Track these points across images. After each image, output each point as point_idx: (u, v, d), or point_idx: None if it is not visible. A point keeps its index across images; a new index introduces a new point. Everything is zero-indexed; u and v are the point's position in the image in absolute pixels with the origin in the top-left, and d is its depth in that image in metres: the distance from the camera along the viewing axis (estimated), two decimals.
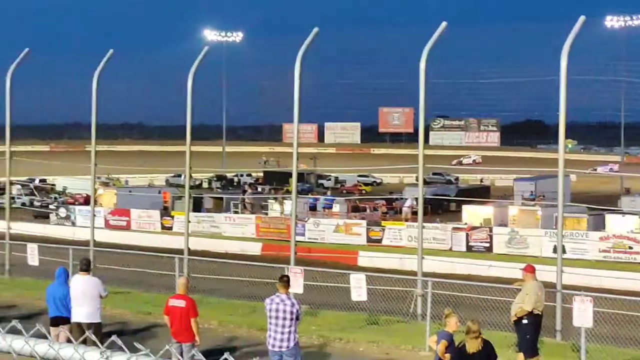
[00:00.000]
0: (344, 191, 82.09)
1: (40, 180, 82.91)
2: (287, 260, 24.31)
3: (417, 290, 21.40)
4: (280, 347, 14.43)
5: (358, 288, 20.82)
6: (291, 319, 14.44)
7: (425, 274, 22.20)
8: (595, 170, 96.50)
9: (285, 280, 15.12)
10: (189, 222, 27.50)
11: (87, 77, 29.33)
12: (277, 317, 14.45)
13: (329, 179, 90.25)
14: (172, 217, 53.48)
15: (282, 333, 14.40)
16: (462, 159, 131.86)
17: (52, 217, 59.25)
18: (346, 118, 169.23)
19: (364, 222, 49.66)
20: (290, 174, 28.53)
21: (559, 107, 20.48)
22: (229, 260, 29.44)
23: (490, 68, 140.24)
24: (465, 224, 47.15)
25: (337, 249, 43.70)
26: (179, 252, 26.26)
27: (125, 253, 30.74)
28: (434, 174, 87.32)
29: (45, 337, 2.72)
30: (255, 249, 44.31)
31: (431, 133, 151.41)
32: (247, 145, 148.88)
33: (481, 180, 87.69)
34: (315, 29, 24.40)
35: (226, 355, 2.45)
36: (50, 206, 63.46)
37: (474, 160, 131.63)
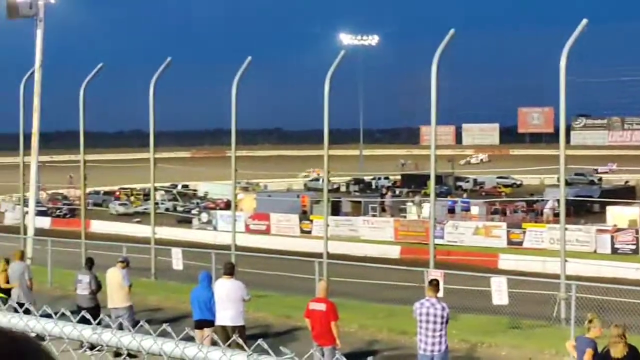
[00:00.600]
0: (483, 193, 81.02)
1: (183, 186, 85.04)
2: (426, 264, 24.15)
3: (560, 294, 20.93)
4: (432, 351, 14.36)
5: (499, 291, 20.53)
6: (442, 323, 14.35)
7: (568, 277, 21.69)
8: None
9: (435, 284, 15.06)
10: (327, 225, 27.67)
11: (227, 84, 29.95)
12: (427, 321, 14.38)
13: (468, 181, 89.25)
14: (311, 221, 53.91)
15: (434, 337, 14.33)
16: (469, 158, 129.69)
17: (195, 221, 60.60)
18: (484, 119, 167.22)
19: (504, 225, 48.93)
20: (428, 177, 28.32)
21: None
22: (368, 263, 29.49)
23: (634, 65, 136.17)
24: (615, 225, 45.76)
25: (477, 251, 43.16)
26: (318, 255, 26.44)
27: (265, 257, 31.18)
28: (576, 174, 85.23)
29: (192, 340, 2.75)
30: (394, 252, 44.21)
31: (572, 133, 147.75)
32: (384, 149, 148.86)
33: (626, 182, 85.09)
34: (452, 31, 24.19)
35: (369, 359, 2.42)
36: (193, 211, 64.96)
37: (481, 160, 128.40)
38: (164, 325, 2.91)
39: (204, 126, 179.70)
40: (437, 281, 15.68)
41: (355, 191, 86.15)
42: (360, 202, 61.81)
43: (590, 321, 13.19)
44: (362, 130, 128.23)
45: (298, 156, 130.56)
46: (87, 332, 3.04)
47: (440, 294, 20.96)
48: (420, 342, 14.49)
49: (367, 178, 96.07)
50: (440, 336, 14.33)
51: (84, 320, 3.25)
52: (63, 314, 3.28)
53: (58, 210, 66.43)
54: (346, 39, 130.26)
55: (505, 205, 59.61)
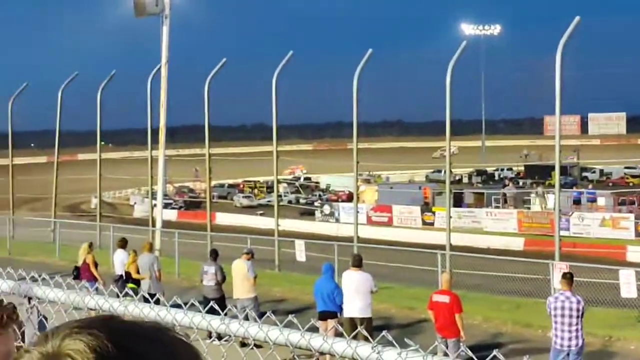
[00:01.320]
0: (610, 184, 79.03)
1: (305, 179, 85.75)
2: (551, 256, 23.74)
3: None
4: (569, 345, 14.12)
5: (627, 284, 20.03)
6: (577, 317, 14.10)
7: None
8: None
9: (569, 277, 14.80)
10: (450, 217, 27.49)
11: (348, 77, 30.05)
12: (562, 315, 14.14)
13: (594, 172, 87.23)
14: (433, 212, 53.62)
15: (570, 331, 14.09)
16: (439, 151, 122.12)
17: (317, 214, 61.03)
18: (610, 108, 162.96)
19: (632, 216, 47.63)
20: (552, 167, 27.82)
21: None
22: (491, 255, 29.17)
23: None
24: None
25: (604, 243, 42.13)
26: (441, 247, 26.29)
27: (387, 249, 31.17)
28: None
29: (316, 331, 2.79)
30: (517, 244, 43.58)
31: None
32: (507, 139, 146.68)
33: None
34: (577, 18, 23.68)
35: (495, 352, 2.41)
36: (315, 203, 65.43)
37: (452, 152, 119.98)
38: (290, 317, 2.95)
39: (326, 119, 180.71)
40: (571, 274, 15.38)
41: (477, 182, 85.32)
42: (483, 193, 61.14)
43: None
44: (485, 120, 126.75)
45: (419, 148, 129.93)
46: (216, 322, 3.11)
47: None
48: (556, 337, 14.24)
49: (489, 169, 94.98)
50: (577, 330, 14.07)
51: (211, 311, 3.33)
52: (192, 305, 3.37)
53: (174, 203, 67.68)
54: (468, 29, 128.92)
55: (634, 196, 57.98)
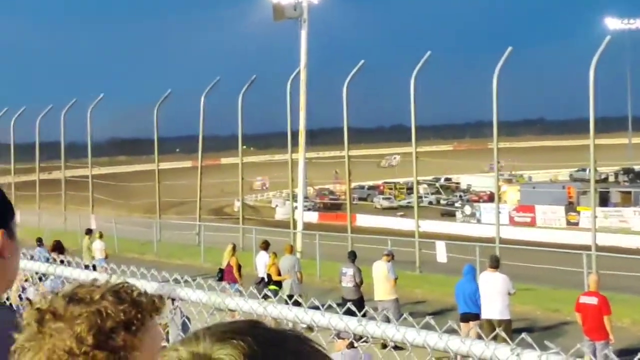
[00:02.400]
0: None
1: (445, 179, 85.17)
2: None
3: None
4: None
5: None
6: None
7: None
8: None
9: None
10: (595, 217, 26.79)
11: (488, 76, 29.68)
12: None
13: None
14: (578, 212, 52.38)
15: None
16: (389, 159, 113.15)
17: (458, 214, 60.52)
18: None
19: None
20: None
21: None
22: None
23: None
24: None
25: None
26: (586, 248, 25.63)
27: (530, 249, 30.59)
28: None
29: (455, 334, 2.74)
30: None
31: None
32: None
33: None
34: None
35: None
36: (456, 204, 64.91)
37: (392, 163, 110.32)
38: (427, 318, 2.91)
39: (465, 119, 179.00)
40: None
41: (624, 181, 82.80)
42: (630, 192, 59.31)
43: None
44: (632, 117, 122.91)
45: (562, 146, 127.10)
46: (353, 324, 3.10)
47: None
48: None
49: (637, 167, 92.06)
50: None
51: (349, 312, 3.32)
52: (330, 306, 3.37)
53: (314, 205, 68.21)
54: (612, 23, 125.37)
55: None
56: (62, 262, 5.24)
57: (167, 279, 4.47)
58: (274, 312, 3.51)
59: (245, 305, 3.72)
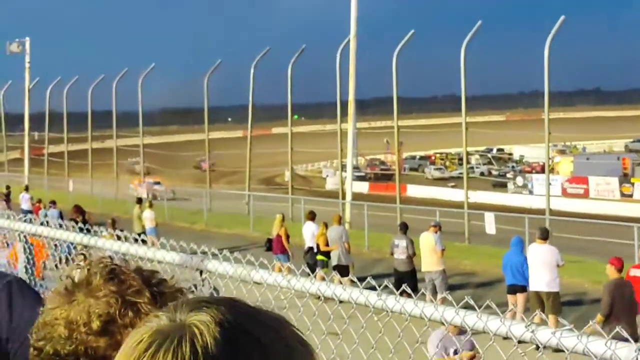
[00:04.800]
0: None
1: (498, 150, 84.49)
2: None
3: None
4: None
5: None
6: None
7: None
8: None
9: None
10: None
11: (541, 45, 29.26)
12: None
13: None
14: (632, 184, 51.63)
15: None
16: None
17: (510, 185, 60.06)
18: None
19: None
20: None
21: None
22: None
23: None
24: None
25: None
26: (639, 220, 25.26)
27: (581, 222, 30.24)
28: None
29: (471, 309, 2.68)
30: None
31: None
32: None
33: None
34: None
35: None
36: (508, 175, 64.41)
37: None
38: (466, 298, 2.83)
39: (519, 89, 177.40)
40: None
41: None
42: None
43: None
44: None
45: (618, 117, 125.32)
46: (373, 298, 3.05)
47: None
48: None
49: None
50: None
51: (400, 287, 3.26)
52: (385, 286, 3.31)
53: (364, 175, 68.06)
54: None
55: None
56: (80, 229, 5.27)
57: (194, 251, 4.46)
58: (297, 285, 3.48)
59: (270, 278, 3.69)
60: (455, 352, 8.66)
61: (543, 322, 2.40)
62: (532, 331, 2.27)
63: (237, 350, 1.12)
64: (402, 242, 19.27)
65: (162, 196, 43.97)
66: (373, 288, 3.19)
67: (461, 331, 8.47)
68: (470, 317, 2.57)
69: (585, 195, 53.45)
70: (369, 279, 3.27)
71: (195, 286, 4.43)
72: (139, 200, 30.06)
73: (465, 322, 2.57)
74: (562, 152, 71.82)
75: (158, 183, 52.41)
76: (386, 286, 3.42)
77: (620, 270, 14.13)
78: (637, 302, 14.93)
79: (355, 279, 3.44)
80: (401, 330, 3.10)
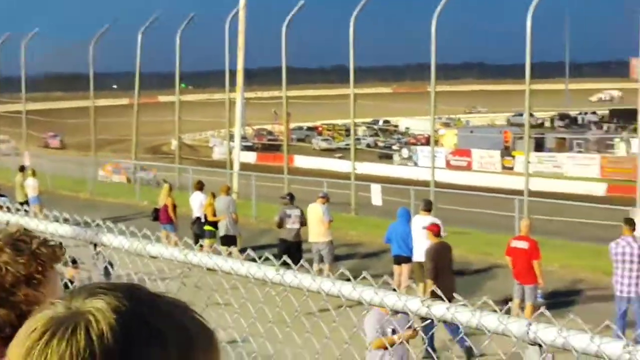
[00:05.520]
0: None
1: (384, 122, 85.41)
2: (634, 202, 23.30)
3: None
4: (629, 292, 13.92)
5: None
6: (639, 262, 13.86)
7: None
8: None
9: (631, 223, 14.54)
10: (528, 162, 27.14)
11: (427, 18, 29.62)
12: (623, 261, 13.95)
13: None
14: (513, 157, 52.96)
15: (630, 277, 13.88)
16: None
17: (395, 157, 60.83)
18: None
19: None
20: (637, 111, 27.14)
21: None
22: (572, 201, 28.72)
23: None
24: None
25: None
26: (520, 192, 25.98)
27: (465, 194, 30.93)
28: None
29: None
30: (599, 190, 42.91)
31: None
32: (591, 82, 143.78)
33: None
34: None
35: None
36: (394, 147, 65.19)
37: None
38: (364, 274, 2.90)
39: (405, 61, 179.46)
40: (633, 220, 15.14)
41: (560, 127, 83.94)
42: (565, 138, 60.20)
43: None
44: (569, 63, 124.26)
45: (501, 91, 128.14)
46: (271, 273, 3.09)
47: None
48: (616, 284, 14.06)
49: (572, 113, 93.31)
50: (638, 277, 13.82)
51: (290, 257, 3.30)
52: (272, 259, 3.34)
53: (252, 145, 68.00)
54: None
55: None
56: None
57: (81, 222, 4.41)
58: (194, 259, 3.50)
59: (167, 252, 3.69)
60: (394, 332, 8.73)
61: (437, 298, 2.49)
62: (428, 306, 2.35)
63: (133, 338, 1.10)
64: (295, 212, 19.34)
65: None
66: (266, 258, 3.24)
67: (396, 311, 8.56)
68: (367, 292, 2.64)
69: (469, 167, 54.63)
70: (270, 255, 3.31)
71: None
72: (22, 168, 29.37)
73: (363, 297, 2.64)
74: (446, 124, 73.10)
75: None
76: (267, 258, 3.46)
77: (438, 235, 14.70)
78: (518, 272, 15.42)
79: (254, 254, 3.48)
80: (299, 305, 3.15)
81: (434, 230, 14.88)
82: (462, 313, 2.32)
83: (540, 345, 2.11)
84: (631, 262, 13.83)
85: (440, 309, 2.35)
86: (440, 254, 14.50)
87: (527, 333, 2.13)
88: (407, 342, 8.80)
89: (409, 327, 8.63)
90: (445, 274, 14.23)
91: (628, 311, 14.06)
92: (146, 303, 1.14)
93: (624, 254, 13.90)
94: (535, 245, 15.39)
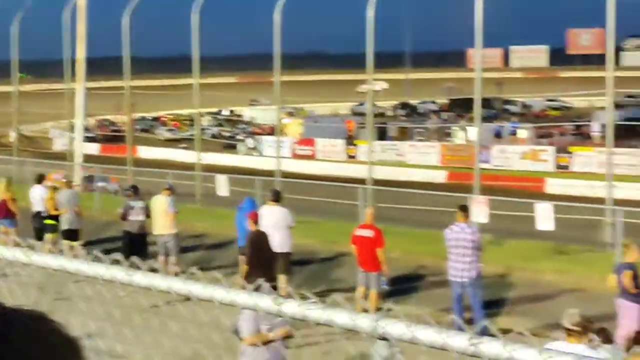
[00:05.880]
0: (531, 116, 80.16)
1: (229, 112, 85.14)
2: (472, 189, 24.07)
3: (607, 219, 20.79)
4: (462, 277, 14.34)
5: (544, 217, 20.40)
6: (472, 248, 14.29)
7: (617, 202, 21.53)
8: None
9: (464, 209, 15.00)
10: (372, 151, 27.63)
11: (271, 7, 29.63)
12: (457, 247, 14.36)
13: (516, 105, 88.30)
14: (356, 145, 53.71)
15: (463, 263, 14.30)
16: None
17: (240, 147, 60.76)
18: (533, 41, 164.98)
19: (551, 149, 48.42)
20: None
21: None
22: (414, 189, 29.40)
23: None
24: None
25: (524, 176, 42.86)
26: (364, 181, 26.42)
27: (310, 183, 31.22)
28: (627, 96, 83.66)
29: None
30: (440, 177, 44.11)
31: (625, 54, 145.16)
32: (431, 72, 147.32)
33: None
34: None
35: None
36: (238, 137, 65.06)
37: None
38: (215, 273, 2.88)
39: (251, 50, 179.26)
40: (467, 206, 15.69)
41: (401, 116, 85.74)
42: (406, 127, 61.54)
43: (626, 247, 13.25)
44: (409, 53, 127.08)
45: (344, 80, 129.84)
46: (121, 275, 3.04)
47: (485, 219, 20.96)
48: (450, 269, 14.50)
49: (413, 102, 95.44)
50: (470, 262, 14.26)
51: (134, 251, 3.24)
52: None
53: (95, 136, 66.67)
54: None
55: (554, 129, 58.99)
56: None
57: None
58: (38, 260, 3.40)
59: (8, 253, 3.57)
60: (270, 331, 8.69)
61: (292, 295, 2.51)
62: (279, 304, 2.37)
63: None
64: (138, 204, 19.08)
65: None
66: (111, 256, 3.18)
67: None
68: (218, 292, 2.63)
69: (313, 156, 55.13)
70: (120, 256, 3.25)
71: None
72: None
73: (214, 296, 2.63)
74: (290, 114, 73.43)
75: None
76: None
77: (256, 223, 14.94)
78: (363, 260, 15.68)
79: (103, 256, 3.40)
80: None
81: (253, 218, 15.10)
82: (313, 310, 2.34)
83: (388, 340, 2.17)
84: (465, 247, 14.26)
85: (291, 308, 2.37)
86: (257, 242, 14.68)
87: (376, 328, 2.17)
88: (285, 340, 8.86)
89: (284, 325, 8.67)
90: (263, 260, 14.42)
91: (464, 295, 14.51)
92: (3, 319, 1.10)
93: (458, 239, 14.33)
94: (380, 233, 15.70)
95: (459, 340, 2.06)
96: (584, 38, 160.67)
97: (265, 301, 2.42)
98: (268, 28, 30.26)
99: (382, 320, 2.18)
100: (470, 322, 14.48)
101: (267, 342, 8.66)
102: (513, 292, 17.49)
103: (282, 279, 16.00)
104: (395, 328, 2.14)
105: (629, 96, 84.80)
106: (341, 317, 2.26)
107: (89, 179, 32.49)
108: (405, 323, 2.14)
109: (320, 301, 2.39)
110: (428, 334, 2.08)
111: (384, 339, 2.18)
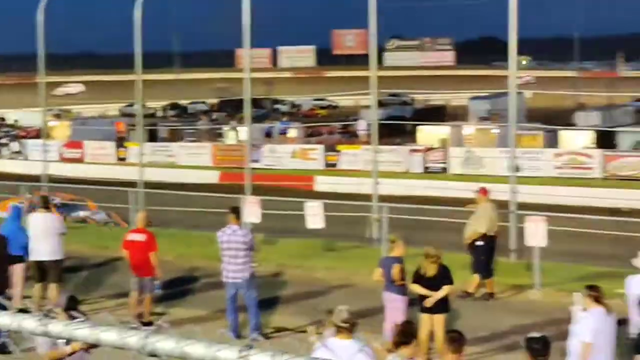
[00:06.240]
0: (300, 116, 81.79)
1: None
2: (244, 189, 24.26)
3: (373, 216, 21.56)
4: (235, 278, 14.42)
5: (314, 216, 20.86)
6: (245, 249, 14.40)
7: (382, 198, 22.32)
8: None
9: (236, 211, 15.10)
10: (142, 154, 27.30)
11: (33, 8, 28.66)
12: (229, 249, 14.43)
13: (285, 104, 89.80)
14: (126, 147, 52.81)
15: (236, 264, 14.38)
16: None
17: (4, 151, 58.46)
18: (301, 42, 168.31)
19: (320, 147, 49.51)
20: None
21: (510, 22, 20.61)
22: (185, 191, 29.33)
23: None
24: (426, 145, 46.92)
25: (294, 174, 43.68)
26: (135, 184, 26.06)
27: (79, 188, 30.41)
28: (390, 95, 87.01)
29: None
30: (213, 177, 44.20)
31: (386, 54, 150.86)
32: (200, 72, 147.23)
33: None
34: None
35: None
36: (2, 140, 62.46)
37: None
38: None
39: (14, 50, 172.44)
40: (238, 208, 15.84)
41: (171, 116, 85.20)
42: (177, 128, 61.17)
43: (392, 241, 13.81)
44: (179, 53, 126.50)
45: (112, 81, 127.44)
46: None
47: (257, 219, 21.20)
48: (224, 270, 14.56)
49: (183, 103, 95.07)
50: (244, 263, 14.37)
51: None
52: None
53: None
54: None
55: (323, 128, 60.39)
56: None
57: None
58: None
59: None
60: (67, 343, 8.26)
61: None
62: (44, 325, 2.32)
63: None
64: None
65: None
66: None
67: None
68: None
69: (82, 159, 53.80)
70: None
71: None
72: None
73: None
74: (57, 116, 71.22)
75: None
76: None
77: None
78: (136, 265, 15.48)
79: None
80: None
81: None
82: (81, 330, 2.31)
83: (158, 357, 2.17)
84: (237, 249, 14.35)
85: (58, 327, 2.33)
86: None
87: (145, 345, 2.18)
88: (87, 351, 8.52)
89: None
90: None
91: (237, 295, 14.61)
92: None
93: (230, 242, 14.41)
94: (152, 237, 15.55)
95: (229, 354, 2.10)
96: (348, 39, 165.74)
97: (29, 322, 2.37)
98: (32, 29, 29.21)
99: (151, 337, 2.19)
100: (245, 323, 14.65)
101: (69, 354, 8.36)
102: (286, 291, 17.79)
103: (53, 288, 15.54)
104: (165, 344, 2.15)
105: (392, 95, 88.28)
106: (109, 335, 2.24)
107: None
108: (175, 339, 2.15)
109: (89, 318, 2.37)
110: (198, 349, 2.11)
111: (154, 355, 2.19)
